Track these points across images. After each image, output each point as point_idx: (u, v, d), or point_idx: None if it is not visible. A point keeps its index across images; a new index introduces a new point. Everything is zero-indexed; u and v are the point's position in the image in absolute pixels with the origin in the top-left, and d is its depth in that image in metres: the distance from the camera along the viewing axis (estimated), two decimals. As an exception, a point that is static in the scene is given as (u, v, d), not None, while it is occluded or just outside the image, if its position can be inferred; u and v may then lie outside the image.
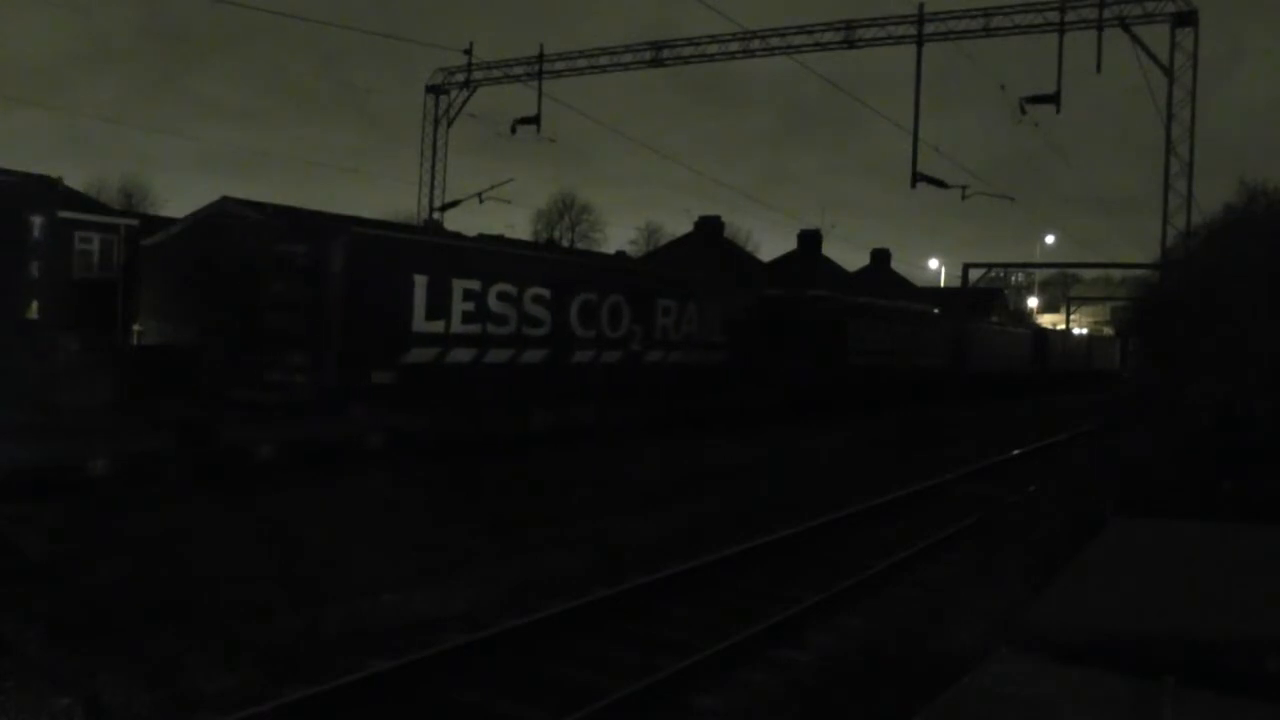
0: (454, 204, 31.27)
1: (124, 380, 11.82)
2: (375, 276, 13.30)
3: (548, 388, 16.13)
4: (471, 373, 14.68)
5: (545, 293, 16.02)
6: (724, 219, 48.21)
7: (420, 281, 13.87)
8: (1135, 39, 23.07)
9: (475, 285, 14.73)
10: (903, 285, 53.45)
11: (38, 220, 9.88)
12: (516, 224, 59.13)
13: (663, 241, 59.17)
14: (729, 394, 20.53)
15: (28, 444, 9.47)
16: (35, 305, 9.93)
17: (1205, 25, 22.72)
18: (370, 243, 13.98)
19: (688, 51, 28.37)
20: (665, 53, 28.45)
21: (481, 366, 14.84)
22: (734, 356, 20.95)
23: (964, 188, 26.23)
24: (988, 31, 24.59)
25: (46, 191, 10.28)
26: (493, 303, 15.04)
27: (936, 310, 38.39)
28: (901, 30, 25.25)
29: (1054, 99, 23.09)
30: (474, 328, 14.70)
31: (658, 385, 18.70)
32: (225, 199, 17.71)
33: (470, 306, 14.63)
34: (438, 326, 14.12)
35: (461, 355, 14.54)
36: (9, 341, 9.90)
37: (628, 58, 28.89)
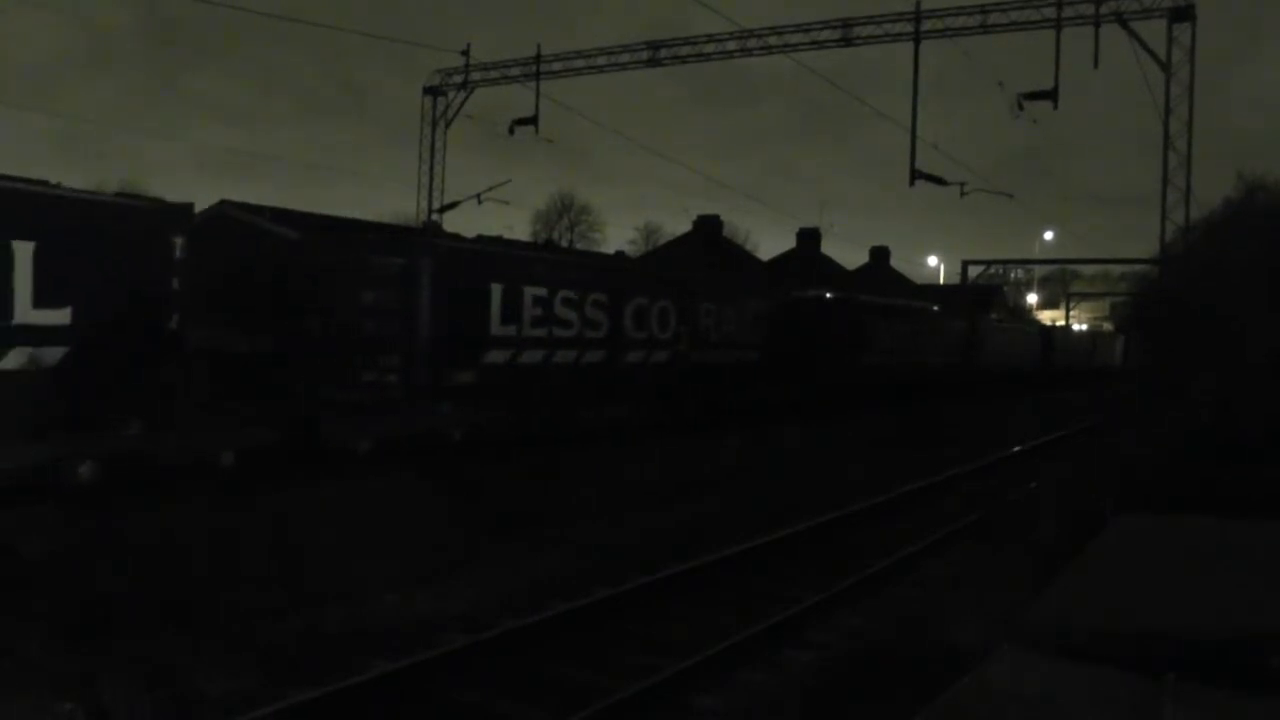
0: (453, 205, 31.27)
1: (209, 382, 12.80)
2: (459, 285, 14.38)
3: (605, 386, 17.27)
4: (540, 372, 15.81)
5: (603, 298, 17.10)
6: (723, 218, 48.23)
7: (496, 290, 14.93)
8: (1133, 34, 23.05)
9: (543, 292, 15.78)
10: (902, 282, 53.46)
11: (179, 241, 11.06)
12: (515, 225, 59.05)
13: (661, 241, 59.12)
14: (761, 391, 21.60)
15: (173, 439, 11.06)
16: (176, 317, 11.11)
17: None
18: (455, 255, 15.20)
19: (685, 51, 28.35)
20: (663, 52, 28.42)
21: (549, 366, 16.00)
22: (766, 356, 21.94)
23: (962, 185, 26.22)
24: (985, 28, 24.55)
25: (186, 214, 11.53)
26: (558, 308, 16.15)
27: (938, 308, 38.59)
28: (899, 28, 25.21)
29: (1052, 95, 23.07)
30: (542, 331, 15.81)
31: (701, 384, 19.80)
32: (224, 203, 17.73)
33: (539, 312, 15.73)
34: (511, 330, 15.22)
35: (531, 356, 15.64)
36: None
37: (625, 58, 28.87)
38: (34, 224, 9.74)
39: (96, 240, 10.28)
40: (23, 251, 9.59)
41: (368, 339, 13.82)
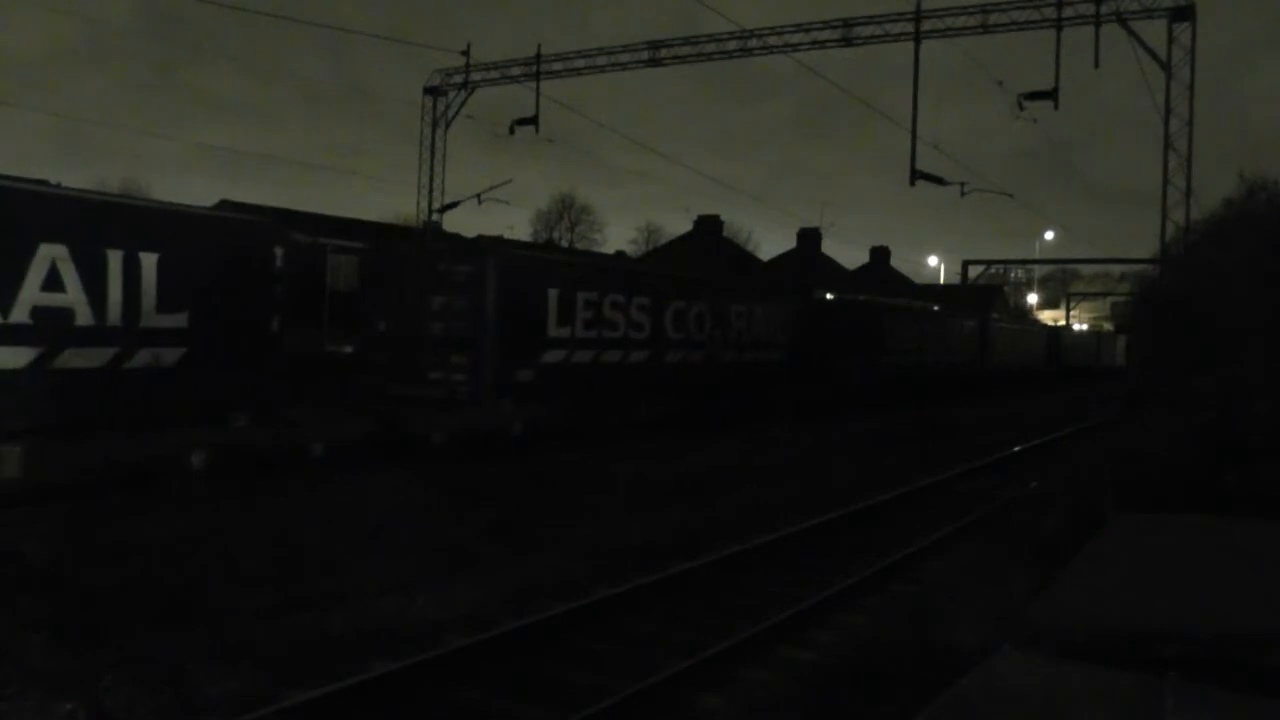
0: (453, 205, 31.27)
1: (300, 380, 13.95)
2: (520, 290, 15.48)
3: (647, 385, 18.38)
4: (590, 371, 16.92)
5: (646, 301, 18.28)
6: (724, 218, 48.30)
7: (552, 294, 16.14)
8: (1133, 34, 23.03)
9: (593, 296, 16.98)
10: (902, 282, 53.46)
11: (280, 251, 12.30)
12: (516, 225, 59.12)
13: (662, 241, 59.17)
14: (787, 390, 22.60)
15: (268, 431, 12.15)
16: (277, 321, 12.25)
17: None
18: (517, 262, 16.40)
19: (685, 51, 28.34)
20: (663, 52, 28.40)
21: (598, 366, 17.09)
22: (791, 356, 22.99)
23: (962, 185, 26.24)
24: (985, 28, 24.54)
25: (286, 226, 12.94)
26: (607, 311, 17.29)
27: (953, 310, 38.92)
28: (899, 28, 25.21)
29: (1052, 95, 23.06)
30: (592, 333, 16.96)
31: (731, 383, 20.89)
32: (224, 203, 17.81)
33: (590, 315, 16.90)
34: (566, 332, 16.35)
35: (582, 356, 16.74)
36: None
37: (625, 57, 28.84)
38: (157, 238, 10.91)
39: (209, 251, 11.46)
40: (148, 262, 10.74)
41: (438, 341, 14.87)
